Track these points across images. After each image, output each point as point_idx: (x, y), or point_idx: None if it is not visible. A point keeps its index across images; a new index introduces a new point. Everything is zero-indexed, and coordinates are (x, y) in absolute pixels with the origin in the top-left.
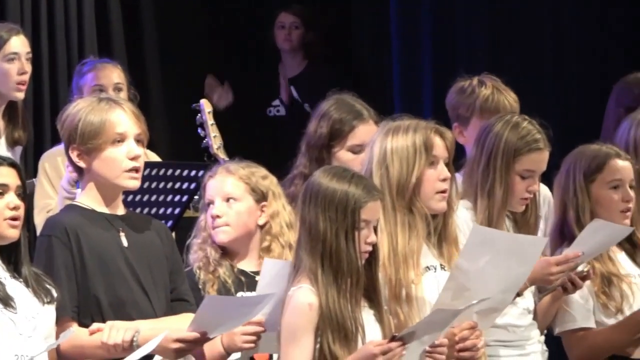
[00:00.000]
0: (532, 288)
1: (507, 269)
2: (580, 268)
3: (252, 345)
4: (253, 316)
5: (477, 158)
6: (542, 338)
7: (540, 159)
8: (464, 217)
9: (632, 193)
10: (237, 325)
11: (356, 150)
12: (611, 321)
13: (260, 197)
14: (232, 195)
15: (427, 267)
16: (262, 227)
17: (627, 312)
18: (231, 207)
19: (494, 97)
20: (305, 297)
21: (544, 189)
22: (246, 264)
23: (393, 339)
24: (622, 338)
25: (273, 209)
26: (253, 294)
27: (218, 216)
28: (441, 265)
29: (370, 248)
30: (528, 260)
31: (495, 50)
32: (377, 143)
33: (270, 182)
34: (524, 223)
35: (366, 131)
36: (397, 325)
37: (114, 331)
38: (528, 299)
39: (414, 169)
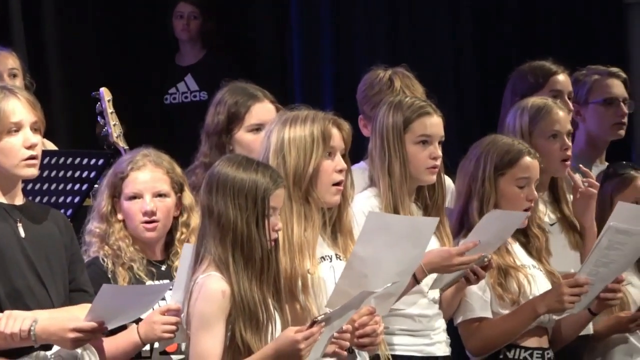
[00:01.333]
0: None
1: (402, 251)
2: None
3: (172, 335)
4: (153, 305)
5: (373, 144)
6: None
7: (432, 123)
8: (370, 205)
9: (535, 193)
10: (138, 315)
11: (255, 128)
12: (507, 312)
13: (178, 189)
14: (163, 191)
15: (323, 257)
16: (175, 218)
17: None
18: (162, 203)
19: (404, 92)
20: (218, 285)
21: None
22: (151, 254)
23: (313, 324)
24: (514, 327)
25: (188, 200)
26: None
27: (154, 213)
28: (336, 254)
29: (277, 235)
30: (422, 241)
31: (394, 39)
32: (274, 132)
33: (181, 172)
34: (433, 206)
35: (263, 109)
36: (293, 315)
37: (10, 320)
38: (436, 290)
39: (311, 160)
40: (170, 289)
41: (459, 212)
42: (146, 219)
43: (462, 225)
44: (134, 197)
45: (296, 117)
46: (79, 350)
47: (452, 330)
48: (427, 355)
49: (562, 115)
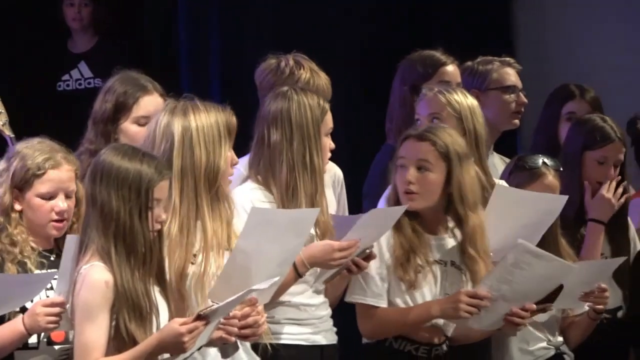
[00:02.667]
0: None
1: (283, 243)
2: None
3: (55, 325)
4: (37, 293)
5: (263, 135)
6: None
7: (330, 118)
8: (253, 197)
9: (416, 174)
10: (21, 304)
11: (142, 122)
12: (404, 297)
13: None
14: (72, 189)
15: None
16: None
17: (420, 289)
18: (70, 201)
19: (313, 80)
20: (101, 275)
21: (334, 168)
22: (41, 243)
23: (199, 317)
24: (407, 323)
25: (82, 191)
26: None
27: (65, 212)
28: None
29: (159, 226)
30: (303, 231)
31: (282, 29)
32: (176, 122)
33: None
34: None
35: (151, 102)
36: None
37: None
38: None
39: (222, 153)
40: (55, 278)
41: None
42: (57, 218)
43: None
44: (47, 195)
45: (196, 107)
46: None
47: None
48: (312, 343)
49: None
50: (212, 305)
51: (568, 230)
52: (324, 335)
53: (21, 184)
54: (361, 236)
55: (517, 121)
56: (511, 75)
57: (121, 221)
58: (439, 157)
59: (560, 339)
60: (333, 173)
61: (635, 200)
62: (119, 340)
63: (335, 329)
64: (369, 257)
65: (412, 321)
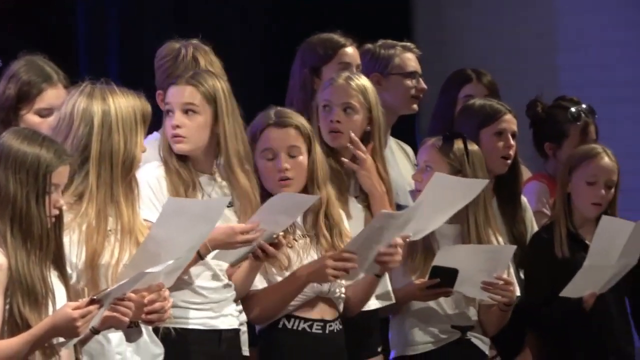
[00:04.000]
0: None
1: (194, 230)
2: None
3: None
4: None
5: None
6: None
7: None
8: (156, 175)
9: (288, 162)
10: None
11: (44, 113)
12: (282, 274)
13: None
14: None
15: (110, 230)
16: None
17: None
18: None
19: (207, 68)
20: None
21: None
22: None
23: (92, 301)
24: (284, 295)
25: None
26: None
27: None
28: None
29: (57, 212)
30: (212, 218)
31: (182, 14)
32: (95, 105)
33: None
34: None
35: (54, 95)
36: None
37: None
38: (222, 263)
39: (137, 141)
40: None
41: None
42: None
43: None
44: None
45: (115, 92)
46: None
47: None
48: (210, 328)
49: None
50: (106, 289)
51: None
52: (223, 320)
53: None
54: (266, 220)
55: (415, 106)
56: (412, 61)
57: (17, 205)
58: (304, 142)
59: (468, 324)
60: None
61: (531, 184)
62: (12, 324)
63: (238, 314)
64: (277, 244)
65: (289, 293)
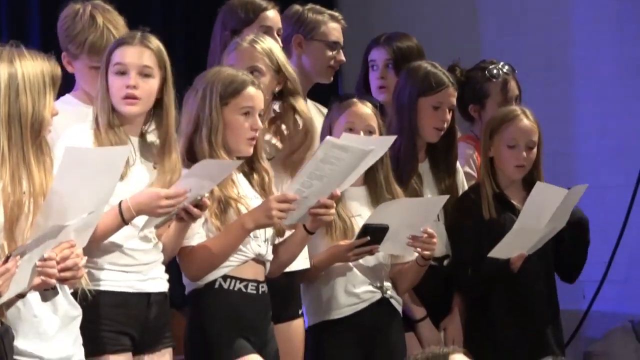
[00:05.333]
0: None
1: (98, 183)
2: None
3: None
4: None
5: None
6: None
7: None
8: (82, 136)
9: (259, 122)
10: None
11: None
12: None
13: None
14: None
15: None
16: None
17: None
18: None
19: (103, 38)
20: None
21: None
22: None
23: (6, 259)
24: (225, 245)
25: None
26: None
27: None
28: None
29: None
30: (115, 171)
31: None
32: (1, 69)
33: None
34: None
35: None
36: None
37: None
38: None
39: (46, 103)
40: None
41: (187, 140)
42: None
43: (188, 153)
44: None
45: (23, 55)
46: None
47: None
48: (138, 291)
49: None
50: (19, 247)
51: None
52: (152, 283)
53: None
54: (191, 185)
55: (331, 77)
56: (337, 31)
57: None
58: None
59: (387, 284)
60: None
61: (459, 145)
62: None
63: (166, 276)
64: (201, 205)
65: (230, 242)
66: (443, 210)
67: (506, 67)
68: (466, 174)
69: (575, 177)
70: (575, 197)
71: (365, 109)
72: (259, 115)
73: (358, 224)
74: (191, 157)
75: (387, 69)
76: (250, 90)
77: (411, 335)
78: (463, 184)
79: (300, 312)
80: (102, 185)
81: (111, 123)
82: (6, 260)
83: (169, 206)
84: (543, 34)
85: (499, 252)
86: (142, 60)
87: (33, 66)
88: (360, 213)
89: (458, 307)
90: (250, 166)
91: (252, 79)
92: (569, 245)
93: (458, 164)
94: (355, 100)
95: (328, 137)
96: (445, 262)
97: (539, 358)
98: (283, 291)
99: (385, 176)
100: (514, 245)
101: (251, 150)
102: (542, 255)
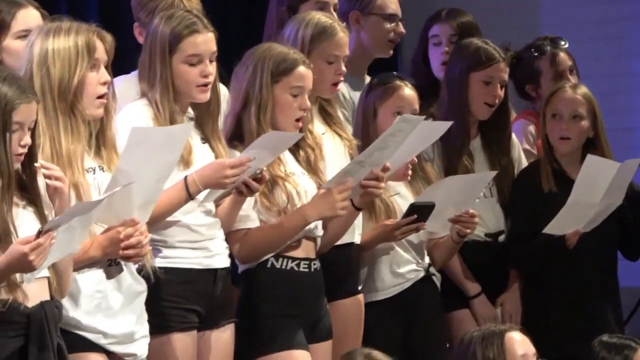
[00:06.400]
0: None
1: (161, 161)
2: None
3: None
4: None
5: (142, 57)
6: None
7: (202, 41)
8: (142, 114)
9: (308, 102)
10: None
11: (22, 35)
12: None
13: None
14: None
15: (86, 168)
16: None
17: (291, 211)
18: None
19: (173, 6)
20: None
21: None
22: None
23: (39, 234)
24: (282, 235)
25: None
26: None
27: None
28: (99, 166)
29: (24, 150)
30: (177, 146)
31: None
32: (37, 44)
33: None
34: (207, 115)
35: (28, 15)
36: None
37: None
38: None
39: (76, 72)
40: None
41: (235, 117)
42: None
43: (235, 130)
44: None
45: (59, 28)
46: None
47: None
48: (206, 267)
49: (344, 40)
50: (52, 220)
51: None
52: (218, 258)
53: None
54: (254, 156)
55: (391, 51)
56: (393, 4)
57: None
58: None
59: (427, 260)
60: (223, 94)
61: (518, 122)
62: None
63: (228, 252)
64: (260, 179)
65: (288, 232)
66: (497, 187)
67: (550, 39)
68: (525, 150)
69: (636, 153)
70: (629, 172)
71: (411, 91)
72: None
73: (398, 202)
74: (238, 134)
75: (452, 44)
76: (301, 69)
77: (466, 312)
78: (519, 161)
79: (359, 287)
80: (164, 162)
81: (173, 109)
82: (38, 235)
83: (234, 175)
84: (602, 6)
85: (554, 228)
86: (212, 46)
87: (65, 39)
88: (399, 191)
89: (515, 283)
90: (295, 143)
91: (303, 58)
92: (631, 223)
93: (516, 140)
94: (400, 83)
95: (404, 115)
96: (500, 238)
97: (597, 335)
98: (340, 267)
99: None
100: (569, 221)
101: (298, 130)
102: (600, 232)
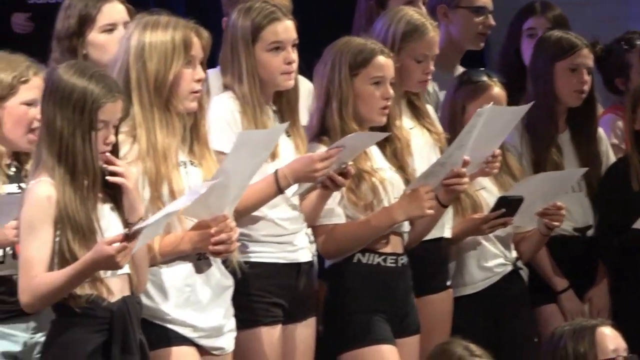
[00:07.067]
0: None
1: (255, 158)
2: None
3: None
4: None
5: (224, 51)
6: (309, 230)
7: (283, 29)
8: (229, 107)
9: (391, 91)
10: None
11: (107, 29)
12: (363, 216)
13: None
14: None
15: (178, 163)
16: None
17: (378, 207)
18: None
19: None
20: (44, 190)
21: (306, 82)
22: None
23: (126, 237)
24: (368, 233)
25: None
26: None
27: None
28: (191, 161)
29: (109, 148)
30: (270, 145)
31: None
32: (134, 36)
33: None
34: (287, 109)
35: (113, 9)
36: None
37: None
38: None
39: (172, 67)
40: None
41: (319, 113)
42: (37, 125)
43: (322, 127)
44: (32, 102)
45: (157, 22)
46: None
47: None
48: (290, 261)
49: (435, 40)
50: (139, 223)
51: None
52: (301, 252)
53: (5, 92)
54: (342, 145)
55: (482, 43)
56: None
57: (64, 142)
58: None
59: (515, 254)
60: (306, 87)
61: (606, 116)
62: (61, 258)
63: (311, 246)
64: (346, 173)
65: (375, 230)
66: (585, 181)
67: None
68: (613, 145)
69: None
70: None
71: (500, 91)
72: (390, 83)
73: (484, 197)
74: (323, 131)
75: None
76: (380, 59)
77: (554, 307)
78: (607, 155)
79: (448, 283)
80: (258, 160)
81: (260, 101)
82: (125, 237)
83: (324, 168)
84: None
85: None
86: (292, 33)
87: (163, 33)
88: (484, 186)
89: (604, 278)
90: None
91: (381, 47)
92: None
93: (603, 134)
94: (490, 82)
95: (480, 109)
96: (589, 233)
97: None
98: (429, 262)
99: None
100: None
101: (384, 119)
102: None
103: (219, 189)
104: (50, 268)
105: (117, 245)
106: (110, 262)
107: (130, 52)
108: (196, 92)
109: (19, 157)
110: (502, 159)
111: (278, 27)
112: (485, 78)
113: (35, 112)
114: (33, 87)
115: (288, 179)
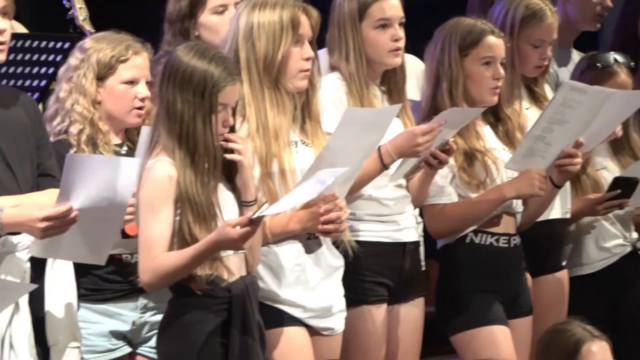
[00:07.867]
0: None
1: (365, 139)
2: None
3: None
4: (119, 183)
5: (331, 32)
6: (416, 212)
7: (389, 6)
8: (336, 87)
9: (502, 71)
10: (105, 193)
11: (219, 10)
12: (475, 195)
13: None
14: (150, 78)
15: (289, 142)
16: None
17: (490, 186)
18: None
19: None
20: (165, 169)
21: (417, 61)
22: (113, 137)
23: (251, 222)
24: (479, 211)
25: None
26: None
27: (147, 99)
28: (302, 140)
29: (227, 130)
30: (383, 126)
31: None
32: (242, 16)
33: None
34: (395, 89)
35: None
36: (270, 199)
37: None
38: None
39: (280, 47)
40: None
41: (430, 95)
42: (140, 105)
43: (432, 108)
44: (131, 80)
45: (265, 1)
46: None
47: None
48: (395, 241)
49: (553, 26)
50: (263, 210)
51: None
52: (407, 232)
53: (104, 72)
54: (444, 120)
55: (598, 25)
56: None
57: (185, 124)
58: None
59: (635, 235)
60: (417, 66)
61: None
62: (181, 238)
63: (419, 226)
64: (448, 150)
65: (486, 209)
66: None
67: None
68: None
69: None
70: None
71: (627, 78)
72: (501, 63)
73: (605, 176)
74: (435, 111)
75: None
76: (490, 39)
77: None
78: None
79: (563, 263)
80: (369, 141)
81: (366, 78)
82: (250, 222)
83: (426, 142)
84: None
85: None
86: (399, 11)
87: (271, 13)
88: (605, 165)
89: None
90: (495, 116)
91: (491, 27)
92: None
93: None
94: (617, 69)
95: (566, 81)
96: None
97: None
98: (544, 242)
99: (624, 126)
100: None
101: (495, 99)
102: None
103: (326, 168)
104: (170, 248)
105: (241, 230)
106: (233, 245)
107: (239, 33)
108: (306, 70)
109: (132, 137)
110: (625, 139)
111: (385, 4)
112: (612, 63)
113: (137, 90)
114: (132, 66)
115: (391, 155)
